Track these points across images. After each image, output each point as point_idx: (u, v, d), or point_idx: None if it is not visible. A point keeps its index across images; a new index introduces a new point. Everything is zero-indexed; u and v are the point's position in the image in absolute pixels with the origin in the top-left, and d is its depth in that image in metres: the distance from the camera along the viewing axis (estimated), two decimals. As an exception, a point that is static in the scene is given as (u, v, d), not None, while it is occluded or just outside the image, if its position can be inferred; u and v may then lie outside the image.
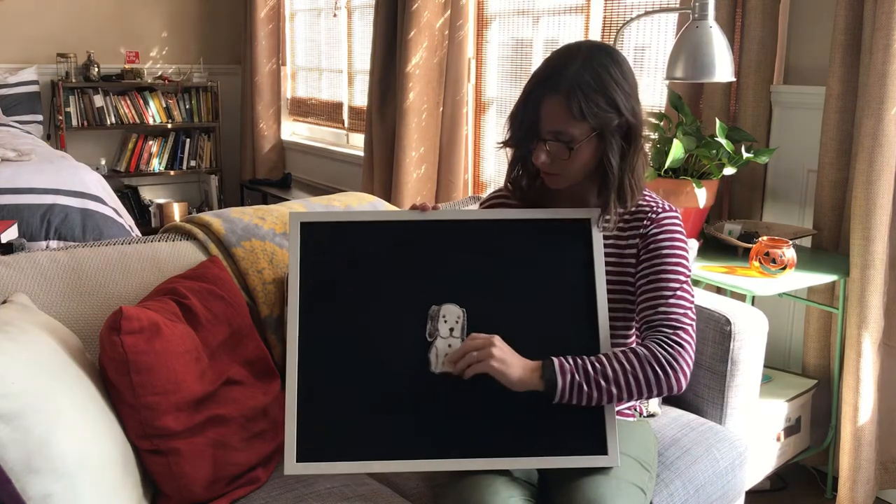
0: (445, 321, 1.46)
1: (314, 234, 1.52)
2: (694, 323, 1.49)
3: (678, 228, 1.57)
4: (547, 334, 1.48)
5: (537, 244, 1.53)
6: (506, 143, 1.58)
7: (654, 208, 1.58)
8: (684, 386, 1.44)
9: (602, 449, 1.43)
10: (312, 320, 1.47)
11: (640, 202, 1.59)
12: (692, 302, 1.52)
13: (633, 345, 1.62)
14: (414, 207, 1.56)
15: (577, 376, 1.40)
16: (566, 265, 1.51)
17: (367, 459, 1.41)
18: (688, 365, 1.44)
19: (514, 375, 1.39)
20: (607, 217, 1.52)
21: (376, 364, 1.45)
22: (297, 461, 1.40)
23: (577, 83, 1.44)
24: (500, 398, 1.42)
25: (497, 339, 1.41)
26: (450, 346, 1.45)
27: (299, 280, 1.48)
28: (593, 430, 1.44)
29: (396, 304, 1.48)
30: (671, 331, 1.46)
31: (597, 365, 1.41)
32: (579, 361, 1.41)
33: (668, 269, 1.52)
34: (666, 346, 1.44)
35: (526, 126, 1.50)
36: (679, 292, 1.50)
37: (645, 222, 1.57)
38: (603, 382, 1.40)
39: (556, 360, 1.41)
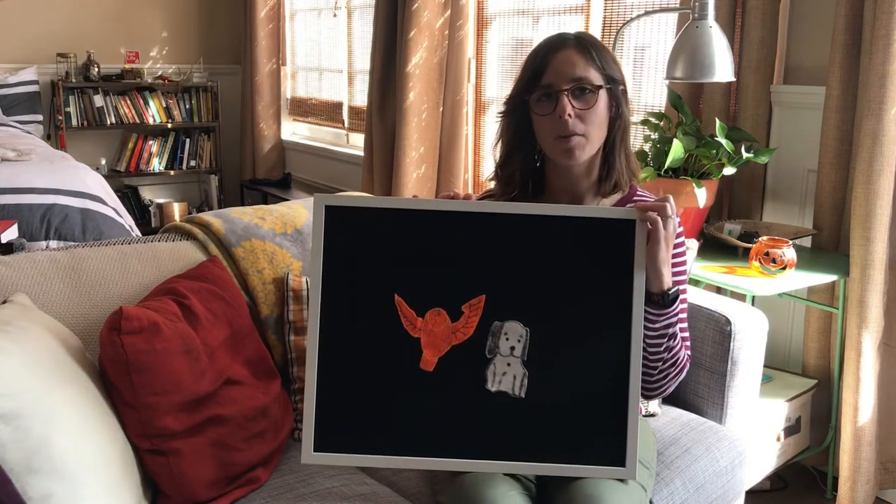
0: (507, 339, 1.39)
1: (340, 219, 1.42)
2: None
3: (681, 231, 1.58)
4: (590, 340, 1.41)
5: (581, 245, 1.41)
6: (508, 114, 1.56)
7: None
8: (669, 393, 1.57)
9: (620, 460, 1.38)
10: (336, 310, 1.40)
11: (640, 200, 1.59)
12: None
13: None
14: (447, 196, 1.47)
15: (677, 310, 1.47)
16: (610, 268, 1.41)
17: (385, 454, 1.39)
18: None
19: (665, 256, 1.41)
20: (605, 190, 1.58)
21: (401, 360, 1.40)
22: (315, 451, 1.38)
23: (585, 39, 1.51)
24: (523, 405, 1.39)
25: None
26: (508, 364, 1.39)
27: (322, 267, 1.40)
28: (613, 439, 1.38)
29: (428, 299, 1.40)
30: (687, 345, 1.56)
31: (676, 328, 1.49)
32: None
33: (680, 277, 1.54)
34: (687, 357, 1.56)
35: (542, 86, 1.49)
36: (683, 304, 1.55)
37: None
38: (677, 338, 1.49)
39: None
